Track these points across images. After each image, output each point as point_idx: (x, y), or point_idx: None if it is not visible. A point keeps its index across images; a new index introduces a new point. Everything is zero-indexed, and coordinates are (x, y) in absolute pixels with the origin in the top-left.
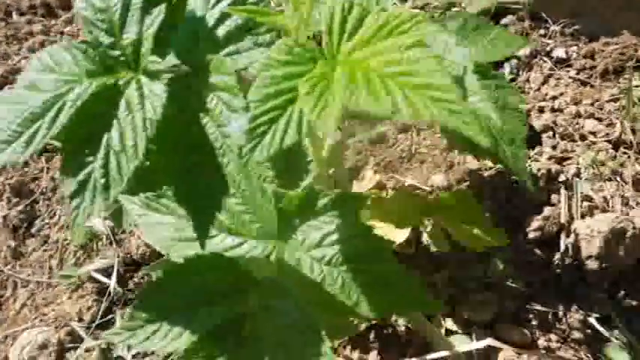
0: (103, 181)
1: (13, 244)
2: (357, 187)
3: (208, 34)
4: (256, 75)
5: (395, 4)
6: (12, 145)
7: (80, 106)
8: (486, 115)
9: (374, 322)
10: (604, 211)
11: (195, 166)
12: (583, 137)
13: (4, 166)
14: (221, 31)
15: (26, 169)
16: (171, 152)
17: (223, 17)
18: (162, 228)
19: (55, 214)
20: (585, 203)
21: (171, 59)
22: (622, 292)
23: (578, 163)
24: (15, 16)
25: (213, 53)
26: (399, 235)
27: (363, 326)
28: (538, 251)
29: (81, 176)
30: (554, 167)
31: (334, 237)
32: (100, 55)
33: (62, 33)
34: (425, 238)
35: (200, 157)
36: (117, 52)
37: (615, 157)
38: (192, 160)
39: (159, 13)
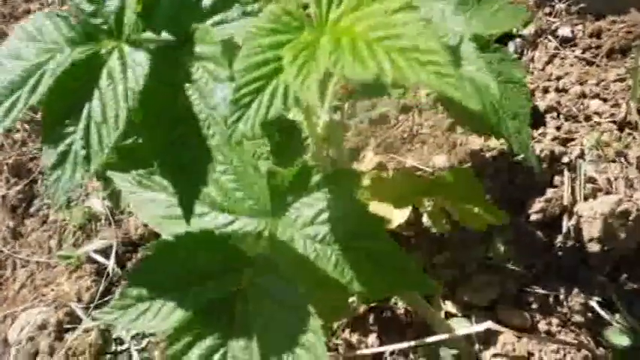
0: (83, 152)
1: (12, 224)
2: (358, 168)
3: (194, 2)
4: (243, 43)
5: None
6: None
7: (60, 75)
8: (484, 84)
9: (373, 304)
10: (607, 193)
11: (180, 138)
12: (588, 118)
13: None
14: (207, 0)
15: (24, 149)
16: (156, 125)
17: None
18: (154, 205)
19: None
20: (589, 185)
21: (156, 28)
22: (624, 276)
23: (582, 145)
24: None
25: (199, 22)
26: (398, 216)
27: (362, 308)
28: (540, 233)
29: (61, 147)
30: (558, 148)
31: (328, 214)
32: (82, 24)
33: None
34: (425, 219)
35: (185, 129)
36: (99, 20)
37: (620, 138)
38: (176, 133)
39: None
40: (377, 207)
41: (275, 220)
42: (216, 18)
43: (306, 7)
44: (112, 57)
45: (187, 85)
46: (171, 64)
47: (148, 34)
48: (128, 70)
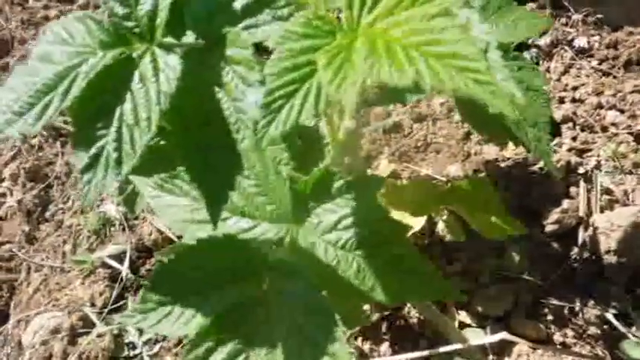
0: (115, 155)
1: (27, 228)
2: None
3: (225, 6)
4: (274, 48)
5: None
6: (24, 116)
7: (93, 78)
8: (510, 93)
9: (386, 313)
10: (624, 204)
11: (209, 142)
12: (604, 129)
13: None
14: (238, 4)
15: (41, 154)
16: (185, 128)
17: None
18: (175, 209)
19: (68, 199)
20: (605, 196)
21: (187, 31)
22: None
23: (598, 155)
24: (31, 1)
25: (230, 26)
26: (414, 224)
27: (375, 317)
28: (555, 244)
29: (93, 150)
30: (574, 159)
31: (349, 220)
32: (115, 27)
33: None
34: (440, 228)
35: (214, 133)
36: (131, 24)
37: (637, 149)
38: (205, 137)
39: None
40: (393, 215)
41: (296, 226)
42: (248, 22)
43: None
44: (144, 60)
45: (217, 88)
46: (202, 67)
47: (180, 37)
48: (160, 72)
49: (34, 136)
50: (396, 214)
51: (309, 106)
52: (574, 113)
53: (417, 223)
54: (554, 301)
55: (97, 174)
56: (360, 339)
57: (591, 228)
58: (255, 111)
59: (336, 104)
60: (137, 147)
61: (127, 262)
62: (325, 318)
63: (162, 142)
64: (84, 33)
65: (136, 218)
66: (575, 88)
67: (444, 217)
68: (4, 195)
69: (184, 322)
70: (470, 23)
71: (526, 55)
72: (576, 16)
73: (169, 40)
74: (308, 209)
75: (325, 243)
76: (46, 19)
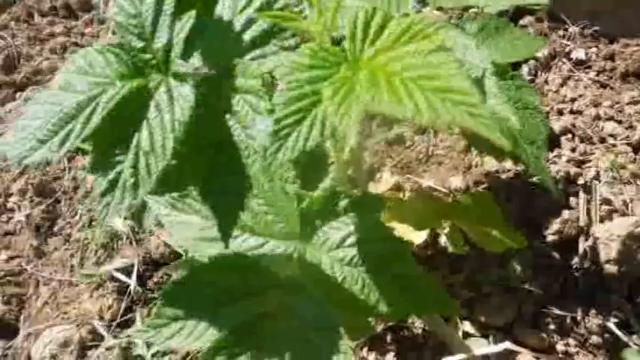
0: (132, 180)
1: (35, 242)
2: (374, 189)
3: (235, 38)
4: (281, 78)
5: (414, 7)
6: (46, 144)
7: (112, 107)
8: (505, 117)
9: (391, 323)
10: (623, 214)
11: (221, 166)
12: (602, 140)
13: (39, 163)
14: (247, 36)
15: (48, 169)
16: (198, 152)
17: (250, 22)
18: (186, 228)
19: (76, 213)
20: (604, 207)
21: (199, 62)
22: None
23: (597, 166)
24: (37, 18)
25: (240, 57)
26: (417, 237)
27: (380, 328)
28: (556, 255)
29: (111, 175)
30: (573, 170)
31: (355, 238)
32: (132, 59)
33: (83, 34)
34: (442, 239)
35: (225, 157)
36: (148, 56)
37: (635, 160)
38: (217, 161)
39: (189, 18)
40: (396, 228)
41: (304, 243)
42: (256, 52)
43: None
44: (159, 90)
45: (228, 115)
46: (214, 96)
47: (192, 68)
48: (175, 102)
49: None
50: (400, 228)
51: (315, 133)
52: (573, 125)
53: (419, 236)
54: (557, 311)
55: (115, 197)
56: (365, 349)
57: (591, 238)
58: (265, 138)
59: (340, 130)
60: (153, 172)
61: (134, 276)
62: (331, 332)
63: (174, 162)
64: (103, 64)
65: (144, 232)
66: (573, 100)
67: (446, 231)
68: (12, 210)
69: (197, 336)
70: (467, 50)
71: (524, 67)
72: (573, 29)
73: (184, 70)
74: (315, 227)
75: (332, 260)
76: (52, 35)
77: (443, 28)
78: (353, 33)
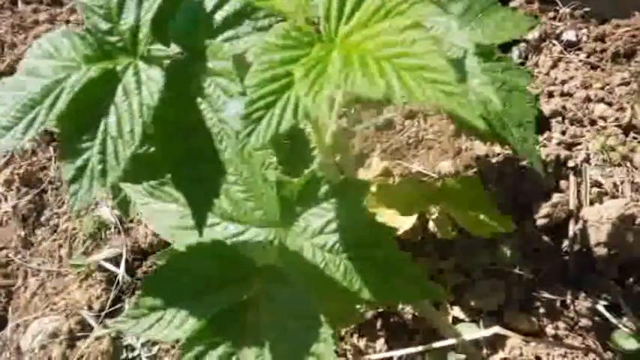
0: (100, 167)
1: (22, 233)
2: (364, 174)
3: (206, 19)
4: (254, 59)
5: None
6: (11, 130)
7: (78, 91)
8: (487, 97)
9: (381, 310)
10: (613, 197)
11: (193, 151)
12: (593, 122)
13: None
14: (219, 16)
15: (34, 159)
16: (169, 138)
17: (221, 2)
18: (165, 216)
19: (63, 203)
20: (594, 189)
21: (169, 44)
22: (630, 279)
23: (587, 149)
24: (21, 5)
25: (211, 38)
26: (405, 223)
27: (369, 314)
28: (546, 238)
29: (79, 162)
30: (564, 153)
31: (336, 224)
32: (98, 41)
33: (68, 22)
34: (431, 225)
35: (197, 142)
36: (115, 38)
37: (625, 142)
38: (189, 146)
39: None
40: (383, 214)
41: (284, 230)
42: (228, 34)
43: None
44: (127, 73)
45: (200, 99)
46: (184, 79)
47: (161, 50)
48: (143, 86)
49: None
50: (387, 213)
51: (287, 116)
52: (563, 107)
53: (407, 221)
54: (546, 295)
55: (82, 185)
56: (355, 336)
57: (581, 221)
58: (237, 121)
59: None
60: (121, 159)
61: (123, 265)
62: (311, 320)
63: (150, 150)
64: (69, 47)
65: (131, 221)
66: (563, 82)
67: (434, 216)
68: None
69: (176, 326)
70: (449, 30)
71: (515, 49)
72: (564, 10)
73: (152, 53)
74: (295, 214)
75: (313, 246)
76: (36, 23)
77: (419, 4)
78: (328, 11)
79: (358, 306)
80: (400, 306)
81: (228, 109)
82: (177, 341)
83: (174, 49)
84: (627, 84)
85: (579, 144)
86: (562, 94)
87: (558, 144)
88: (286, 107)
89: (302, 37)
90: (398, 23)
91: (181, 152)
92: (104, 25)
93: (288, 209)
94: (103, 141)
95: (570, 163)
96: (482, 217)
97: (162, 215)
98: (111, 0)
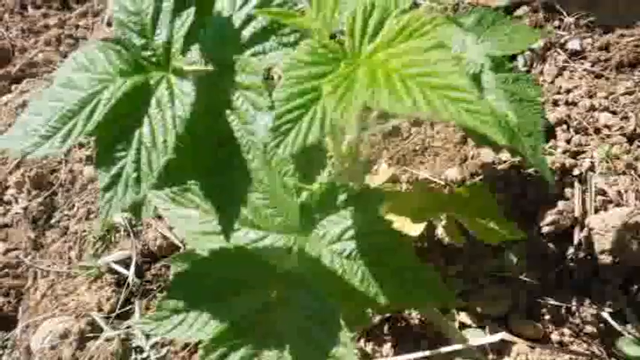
0: (135, 175)
1: (33, 235)
2: (371, 181)
3: (234, 34)
4: (281, 74)
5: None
6: (50, 139)
7: (114, 103)
8: (503, 113)
9: (388, 314)
10: (618, 205)
11: (221, 162)
12: (597, 131)
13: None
14: (247, 32)
15: (45, 162)
16: (199, 148)
17: (249, 19)
18: (187, 221)
19: (73, 205)
20: (599, 197)
21: (200, 59)
22: (635, 287)
23: (592, 157)
24: (30, 10)
25: (239, 53)
26: (414, 229)
27: (377, 318)
28: (552, 245)
29: (114, 170)
30: (569, 161)
31: (354, 231)
32: (133, 56)
33: (77, 26)
34: (439, 231)
35: (226, 153)
36: (148, 53)
37: (630, 150)
38: (218, 156)
39: (188, 15)
40: (393, 220)
41: (303, 237)
42: (255, 49)
43: (336, 36)
44: (160, 86)
45: (228, 111)
46: (214, 92)
47: (193, 65)
48: (175, 98)
49: None
50: (397, 220)
51: (315, 129)
52: (568, 116)
53: (417, 228)
54: (552, 301)
55: (117, 192)
56: (362, 340)
57: (586, 229)
58: (265, 133)
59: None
60: (154, 167)
61: (132, 268)
62: (331, 324)
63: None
64: (104, 61)
65: (141, 224)
66: (568, 91)
67: (442, 222)
68: (9, 203)
69: (198, 328)
70: (465, 46)
71: (520, 59)
72: (568, 19)
73: (184, 67)
74: (314, 220)
75: (331, 253)
76: (46, 27)
77: (441, 25)
78: (352, 29)
79: (367, 310)
80: (407, 311)
81: (256, 122)
82: (187, 344)
83: (203, 62)
84: (631, 93)
85: (584, 152)
86: (567, 103)
87: (563, 152)
88: (313, 120)
89: (328, 54)
90: (421, 43)
91: (210, 162)
92: (138, 41)
93: (307, 216)
94: (138, 151)
95: (575, 172)
96: (491, 224)
97: (185, 220)
98: (145, 16)
